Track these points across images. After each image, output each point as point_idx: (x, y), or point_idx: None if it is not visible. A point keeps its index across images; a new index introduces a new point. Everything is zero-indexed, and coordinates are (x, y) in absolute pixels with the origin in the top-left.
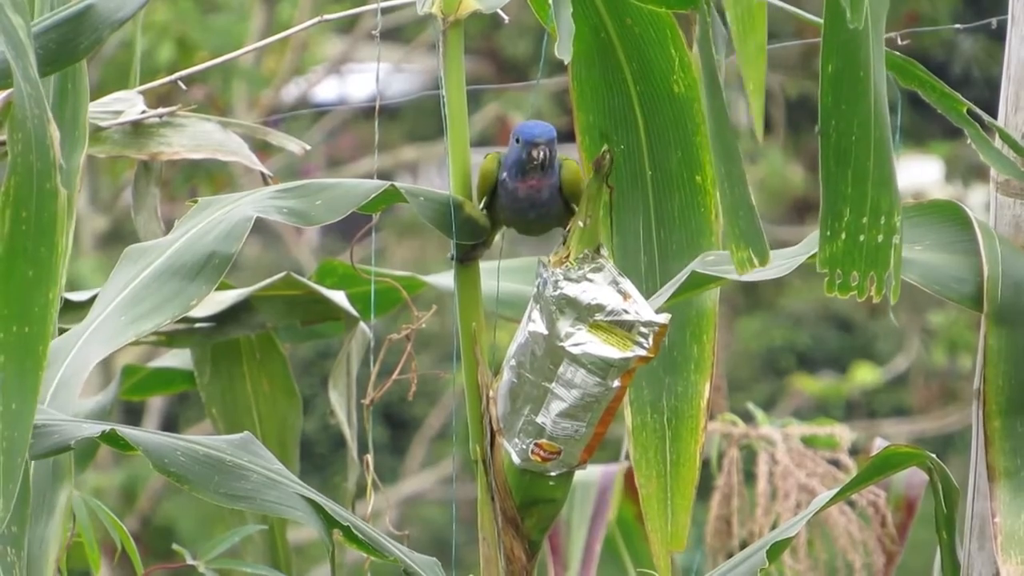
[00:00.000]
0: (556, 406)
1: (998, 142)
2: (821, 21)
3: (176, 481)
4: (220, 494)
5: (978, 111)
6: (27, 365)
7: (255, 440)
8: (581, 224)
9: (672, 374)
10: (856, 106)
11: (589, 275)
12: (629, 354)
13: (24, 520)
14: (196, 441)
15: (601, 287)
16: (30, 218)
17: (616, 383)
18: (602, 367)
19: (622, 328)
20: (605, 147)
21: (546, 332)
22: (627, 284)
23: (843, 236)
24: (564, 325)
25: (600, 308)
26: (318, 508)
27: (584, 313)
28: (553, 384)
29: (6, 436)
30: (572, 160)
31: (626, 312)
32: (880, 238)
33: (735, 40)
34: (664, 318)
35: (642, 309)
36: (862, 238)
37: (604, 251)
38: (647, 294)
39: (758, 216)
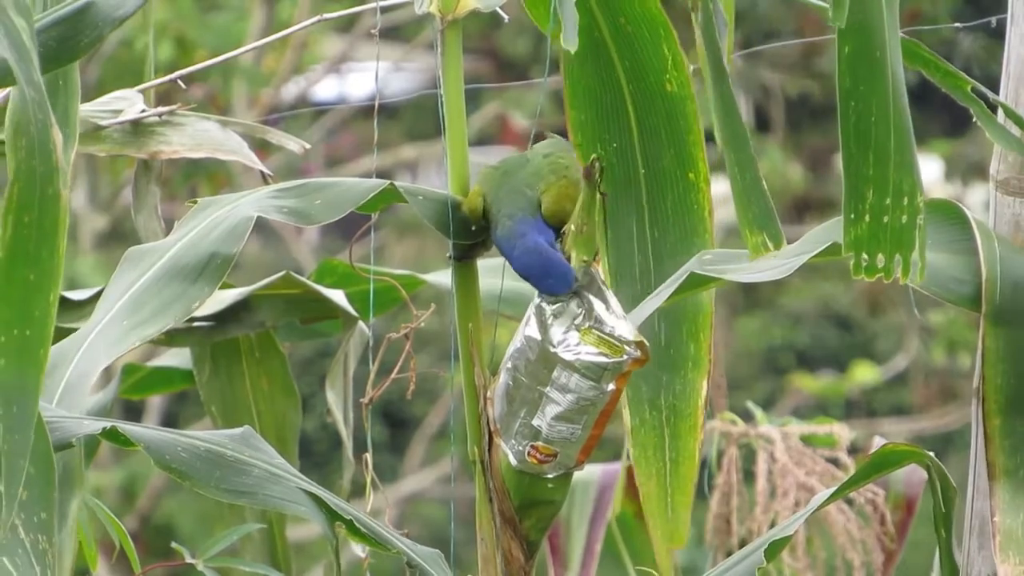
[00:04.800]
0: (551, 409)
1: (1002, 119)
2: (825, 6)
3: (178, 477)
4: (222, 490)
5: (982, 88)
6: (28, 368)
7: (255, 434)
8: (574, 229)
9: (670, 372)
10: (874, 86)
11: (579, 279)
12: (622, 358)
13: (52, 505)
14: (197, 437)
15: (589, 295)
16: (32, 222)
17: (610, 386)
18: (595, 372)
19: (611, 335)
20: (594, 155)
21: (539, 337)
22: (609, 295)
23: (867, 218)
24: (557, 331)
25: (589, 315)
26: (320, 503)
27: (575, 319)
28: (548, 388)
29: (7, 439)
30: (557, 182)
31: (606, 324)
32: (904, 219)
33: None
34: (635, 332)
35: (618, 323)
36: (886, 219)
37: (595, 258)
38: (642, 293)
39: (770, 200)
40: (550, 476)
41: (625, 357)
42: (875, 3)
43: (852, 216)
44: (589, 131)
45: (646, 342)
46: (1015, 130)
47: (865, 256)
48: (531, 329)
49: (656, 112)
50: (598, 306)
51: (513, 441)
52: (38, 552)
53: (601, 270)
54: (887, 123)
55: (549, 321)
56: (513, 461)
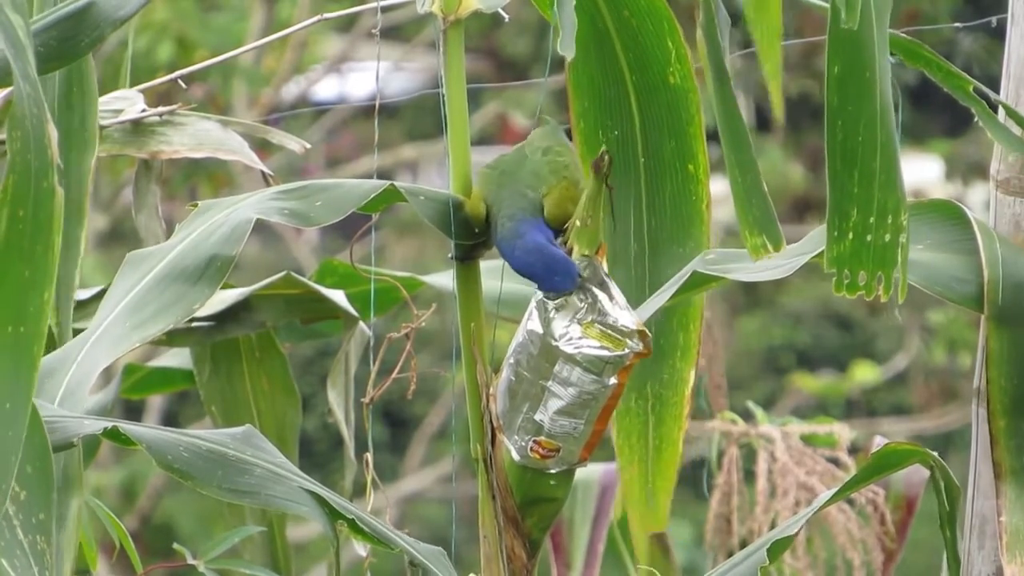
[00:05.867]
0: (554, 404)
1: (1003, 118)
2: (825, 4)
3: (179, 477)
4: (224, 489)
5: (984, 88)
6: (22, 365)
7: (257, 434)
8: (579, 224)
9: (657, 361)
10: (862, 107)
11: (582, 273)
12: (623, 351)
13: (50, 505)
14: (198, 436)
15: (591, 288)
16: (27, 217)
17: (612, 380)
18: (597, 365)
19: (613, 327)
20: (603, 148)
21: (541, 331)
22: (613, 286)
23: (850, 236)
24: (559, 325)
25: (591, 309)
26: (322, 502)
27: (577, 313)
28: (549, 382)
29: (0, 436)
30: (558, 184)
31: (610, 315)
32: (887, 237)
33: (750, 24)
34: (638, 323)
35: (621, 314)
36: (869, 238)
37: (597, 251)
38: (636, 279)
39: (770, 202)
40: (553, 472)
41: (627, 351)
42: (866, 24)
43: (835, 234)
44: (591, 119)
45: (648, 333)
46: (1016, 130)
47: (847, 273)
48: (533, 323)
49: (658, 104)
50: (602, 297)
51: (516, 436)
52: (36, 553)
53: (604, 262)
54: (873, 142)
55: (551, 315)
56: (516, 457)
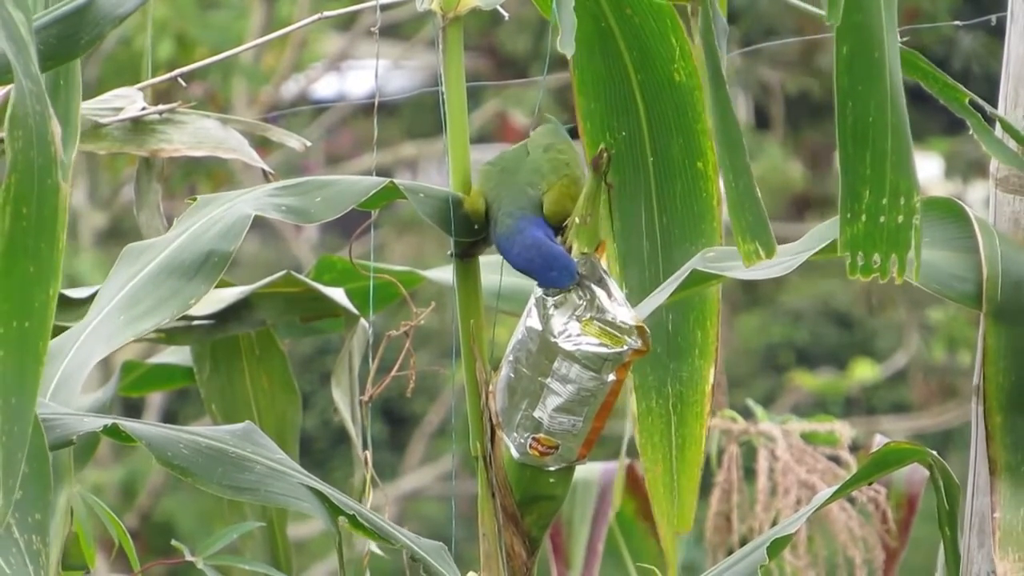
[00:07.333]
0: (552, 401)
1: (999, 132)
2: (821, 12)
3: (180, 474)
4: (224, 486)
5: (980, 101)
6: (27, 360)
7: (257, 430)
8: (578, 221)
9: (676, 360)
10: (872, 87)
11: (580, 271)
12: (622, 348)
13: (47, 506)
14: (199, 433)
15: (590, 285)
16: (31, 214)
17: (611, 377)
18: (596, 362)
19: (612, 324)
20: (602, 145)
21: (540, 328)
22: (612, 283)
23: (863, 218)
24: (557, 322)
25: (590, 306)
26: (323, 498)
27: (576, 310)
28: (549, 379)
29: (6, 431)
30: (558, 182)
31: (608, 312)
32: (900, 219)
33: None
34: (636, 319)
35: (619, 311)
36: (882, 219)
37: (597, 248)
38: (650, 278)
39: (763, 208)
40: (551, 469)
41: (626, 347)
42: (873, 3)
43: (848, 216)
44: (598, 119)
45: (647, 329)
46: (1012, 143)
47: (861, 255)
48: (532, 320)
49: (664, 102)
50: (600, 294)
51: (515, 434)
52: (32, 552)
53: (604, 259)
54: (884, 123)
55: (550, 311)
56: (515, 454)
